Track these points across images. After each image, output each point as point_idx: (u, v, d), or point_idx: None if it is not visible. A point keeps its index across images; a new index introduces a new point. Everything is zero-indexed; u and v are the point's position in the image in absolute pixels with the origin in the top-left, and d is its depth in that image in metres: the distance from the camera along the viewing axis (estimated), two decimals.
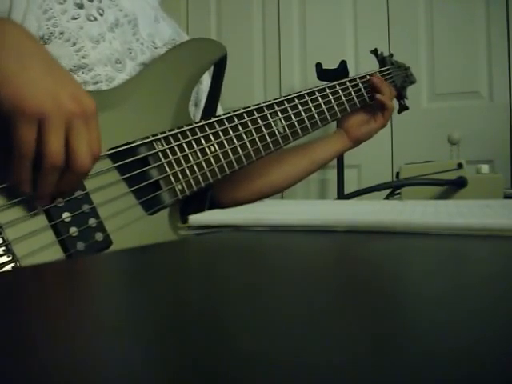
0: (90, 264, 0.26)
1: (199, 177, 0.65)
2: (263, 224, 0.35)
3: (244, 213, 0.40)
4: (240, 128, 0.69)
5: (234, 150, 0.68)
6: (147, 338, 0.12)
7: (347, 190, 1.56)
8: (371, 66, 0.94)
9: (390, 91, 0.90)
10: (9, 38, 0.49)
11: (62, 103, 0.48)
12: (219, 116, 0.69)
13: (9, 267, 0.49)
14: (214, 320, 0.14)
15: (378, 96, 0.87)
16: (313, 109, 0.79)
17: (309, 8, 1.86)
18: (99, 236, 0.55)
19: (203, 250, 0.30)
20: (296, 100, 0.77)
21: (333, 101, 0.82)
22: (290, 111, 0.76)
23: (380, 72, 0.93)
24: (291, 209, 0.48)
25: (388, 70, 0.95)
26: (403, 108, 1.01)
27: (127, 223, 0.58)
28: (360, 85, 0.87)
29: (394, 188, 0.76)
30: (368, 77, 0.89)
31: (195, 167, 0.65)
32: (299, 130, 0.77)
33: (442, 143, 1.57)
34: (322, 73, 1.60)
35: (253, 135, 0.71)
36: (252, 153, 0.70)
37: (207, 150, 0.66)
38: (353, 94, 0.85)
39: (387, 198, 0.77)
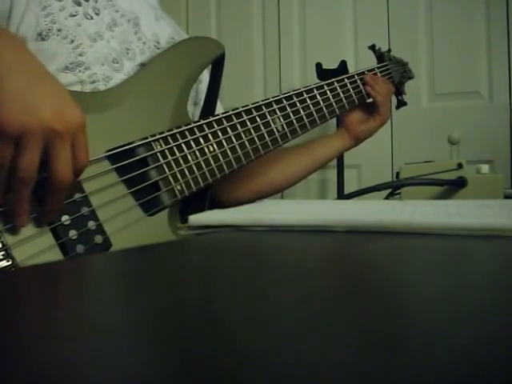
0: (89, 264, 0.26)
1: (198, 177, 0.65)
2: (263, 224, 0.35)
3: (244, 213, 0.40)
4: (238, 127, 0.69)
5: (233, 150, 0.68)
6: (147, 338, 0.12)
7: (347, 190, 1.56)
8: (372, 65, 0.94)
9: (385, 87, 0.89)
10: None
11: (43, 120, 0.47)
12: (217, 115, 0.68)
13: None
14: (213, 320, 0.14)
15: (368, 89, 0.87)
16: (311, 106, 0.79)
17: (309, 8, 1.86)
18: (99, 238, 0.55)
19: (203, 249, 0.30)
20: (294, 98, 0.77)
21: (331, 98, 0.82)
22: (288, 109, 0.76)
23: (378, 68, 0.92)
24: (291, 209, 0.48)
25: (386, 65, 0.94)
26: (401, 104, 1.01)
27: (126, 225, 0.58)
28: (358, 81, 0.87)
29: (394, 188, 0.75)
30: (366, 72, 0.89)
31: (194, 167, 0.64)
32: (298, 129, 0.77)
33: (442, 143, 1.57)
34: (322, 73, 1.60)
35: (251, 134, 0.71)
36: (251, 152, 0.70)
37: (206, 149, 0.66)
38: (351, 90, 0.85)
39: (387, 197, 0.77)
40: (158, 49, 0.74)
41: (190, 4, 1.99)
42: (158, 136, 0.62)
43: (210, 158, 0.66)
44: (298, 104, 0.77)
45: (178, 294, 0.18)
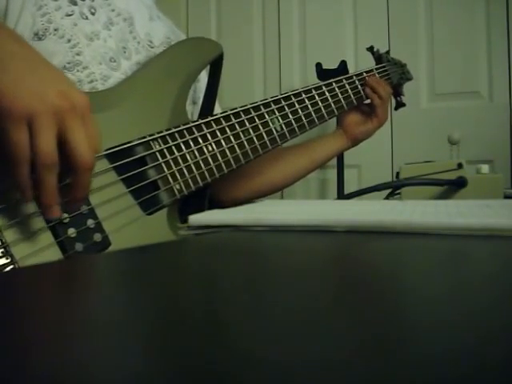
0: (88, 264, 0.26)
1: (197, 176, 0.65)
2: (263, 224, 0.35)
3: (244, 213, 0.40)
4: (237, 127, 0.69)
5: (232, 149, 0.68)
6: (146, 338, 0.12)
7: (347, 190, 1.56)
8: (371, 65, 0.94)
9: (386, 89, 0.89)
10: None
11: (50, 101, 0.46)
12: (216, 115, 0.69)
13: (8, 269, 0.49)
14: (213, 320, 0.14)
15: (367, 91, 0.87)
16: (310, 106, 0.79)
17: (309, 8, 1.86)
18: (98, 237, 0.55)
19: (203, 249, 0.30)
20: (293, 98, 0.77)
21: (329, 98, 0.82)
22: (287, 109, 0.76)
23: (376, 69, 0.93)
24: (291, 209, 0.48)
25: (384, 67, 0.95)
26: (400, 105, 1.01)
27: (125, 223, 0.58)
28: (356, 82, 0.88)
29: (394, 188, 0.75)
30: (364, 74, 0.89)
31: (193, 167, 0.64)
32: (296, 128, 0.77)
33: (442, 143, 1.57)
34: (322, 73, 1.60)
35: (250, 134, 0.71)
36: (250, 151, 0.70)
37: (205, 149, 0.66)
38: (349, 91, 0.86)
39: (387, 197, 0.77)
40: (152, 48, 0.74)
41: (190, 4, 1.99)
42: (157, 135, 0.63)
43: (209, 158, 0.66)
44: (296, 104, 0.77)
45: (178, 293, 0.17)
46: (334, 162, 1.60)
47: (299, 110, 0.77)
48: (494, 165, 1.61)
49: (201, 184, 0.65)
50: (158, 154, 0.62)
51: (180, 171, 0.63)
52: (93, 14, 0.67)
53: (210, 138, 0.67)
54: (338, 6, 1.83)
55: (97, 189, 0.56)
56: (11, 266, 0.49)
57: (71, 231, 0.53)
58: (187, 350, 0.11)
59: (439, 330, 0.12)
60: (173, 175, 0.63)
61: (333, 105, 0.82)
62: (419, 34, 1.75)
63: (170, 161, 0.63)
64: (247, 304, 0.16)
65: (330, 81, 0.84)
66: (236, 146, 0.69)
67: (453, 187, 0.68)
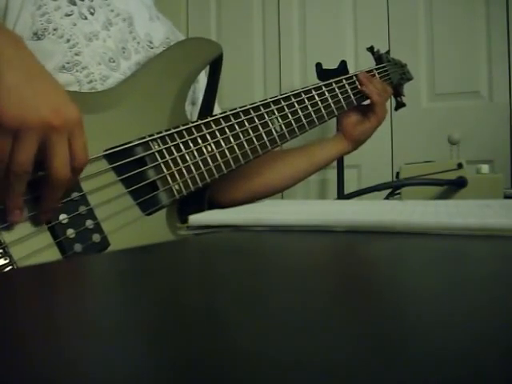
0: (88, 264, 0.26)
1: (196, 176, 0.65)
2: (263, 224, 0.35)
3: (244, 213, 0.40)
4: (237, 127, 0.69)
5: (231, 149, 0.68)
6: (146, 338, 0.12)
7: (347, 190, 1.56)
8: (371, 65, 0.94)
9: (379, 86, 0.89)
10: None
11: (40, 115, 0.47)
12: (216, 115, 0.69)
13: (6, 270, 0.49)
14: (213, 320, 0.14)
15: (363, 88, 0.86)
16: (309, 107, 0.79)
17: (309, 8, 1.86)
18: (96, 237, 0.55)
19: (203, 250, 0.30)
20: (292, 98, 0.77)
21: (329, 98, 0.82)
22: (286, 110, 0.76)
23: (376, 69, 0.93)
24: (291, 209, 0.48)
25: (384, 67, 0.95)
26: (400, 105, 1.01)
27: (124, 224, 0.58)
28: (356, 82, 0.88)
29: (394, 188, 0.75)
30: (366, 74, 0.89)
31: (192, 167, 0.64)
32: (296, 129, 0.77)
33: (442, 143, 1.57)
34: (322, 73, 1.60)
35: (249, 134, 0.71)
36: (249, 152, 0.70)
37: (204, 149, 0.66)
38: (349, 91, 0.86)
39: (387, 197, 0.77)
40: (152, 48, 0.74)
41: (190, 4, 1.99)
42: (156, 136, 0.63)
43: (208, 158, 0.66)
44: (296, 105, 0.77)
45: (178, 294, 0.17)
46: (334, 162, 1.60)
47: (299, 111, 0.77)
48: (494, 165, 1.61)
49: (200, 184, 0.65)
50: (157, 154, 0.62)
51: (179, 172, 0.63)
52: (92, 14, 0.67)
53: (209, 138, 0.67)
54: (337, 6, 1.83)
55: (96, 189, 0.56)
56: (10, 267, 0.49)
57: (70, 232, 0.53)
58: (187, 349, 0.11)
59: (439, 329, 0.12)
60: (172, 176, 0.63)
61: (332, 105, 0.82)
62: (419, 34, 1.75)
63: (170, 161, 0.63)
64: (247, 304, 0.16)
65: (330, 81, 0.84)
66: (235, 146, 0.69)
67: (453, 187, 0.68)
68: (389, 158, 1.76)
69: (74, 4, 0.65)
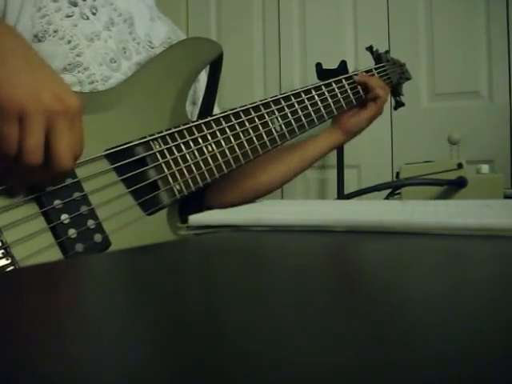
0: (88, 264, 0.26)
1: (197, 176, 0.65)
2: (263, 224, 0.35)
3: (244, 213, 0.40)
4: (237, 127, 0.70)
5: (232, 149, 0.68)
6: (146, 338, 0.12)
7: (347, 190, 1.56)
8: (371, 65, 0.94)
9: (382, 82, 0.89)
10: None
11: (43, 101, 0.47)
12: (216, 115, 0.69)
13: (8, 270, 0.49)
14: (213, 320, 0.14)
15: (367, 84, 0.86)
16: (309, 106, 0.79)
17: (309, 8, 1.86)
18: (98, 237, 0.55)
19: (203, 250, 0.30)
20: (292, 98, 0.77)
21: (329, 98, 0.82)
22: (286, 110, 0.76)
23: (375, 69, 0.93)
24: (291, 209, 0.48)
25: (383, 66, 0.95)
26: (399, 104, 1.01)
27: (126, 224, 0.58)
28: (355, 83, 0.88)
29: (394, 188, 0.75)
30: (364, 73, 0.90)
31: (193, 167, 0.64)
32: (296, 129, 0.77)
33: (442, 143, 1.57)
34: (322, 73, 1.60)
35: (250, 134, 0.71)
36: (249, 152, 0.70)
37: (205, 149, 0.66)
38: (349, 91, 0.86)
39: (387, 197, 0.77)
40: (152, 48, 0.74)
41: (190, 4, 1.99)
42: (157, 135, 0.63)
43: (209, 158, 0.66)
44: (296, 105, 0.77)
45: (178, 293, 0.18)
46: (334, 161, 1.60)
47: (299, 110, 0.77)
48: (494, 165, 1.61)
49: (201, 184, 0.65)
50: (158, 154, 0.62)
51: (180, 171, 0.63)
52: (94, 13, 0.67)
53: (209, 138, 0.67)
54: (337, 5, 1.83)
55: (97, 189, 0.56)
56: (12, 267, 0.49)
57: (71, 232, 0.53)
58: (187, 349, 0.11)
59: (439, 329, 0.12)
60: (173, 175, 0.63)
61: (332, 105, 0.82)
62: (419, 34, 1.75)
63: (170, 161, 0.63)
64: (247, 304, 0.16)
65: (330, 81, 0.84)
66: (236, 146, 0.69)
67: (453, 187, 0.68)
68: (389, 158, 1.76)
69: (75, 5, 0.65)
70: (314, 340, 0.12)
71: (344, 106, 0.84)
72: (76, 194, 0.54)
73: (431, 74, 1.74)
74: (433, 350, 0.11)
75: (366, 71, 0.91)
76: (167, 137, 0.63)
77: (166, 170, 0.62)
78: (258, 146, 0.71)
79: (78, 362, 0.11)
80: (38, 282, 0.21)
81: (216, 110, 0.82)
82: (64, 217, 0.53)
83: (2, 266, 0.49)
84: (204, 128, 0.67)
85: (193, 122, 0.67)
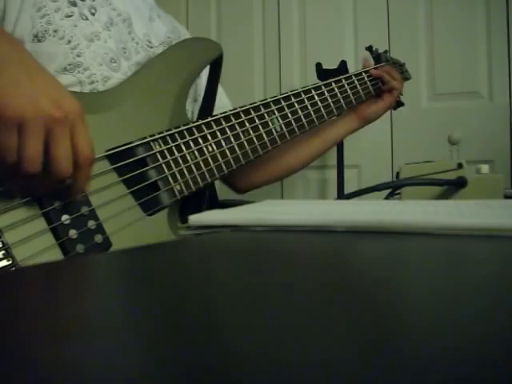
0: (88, 264, 0.26)
1: (197, 177, 0.65)
2: (263, 224, 0.35)
3: (244, 213, 0.40)
4: (237, 127, 0.70)
5: (232, 149, 0.69)
6: (146, 338, 0.12)
7: (347, 190, 1.56)
8: (369, 66, 0.95)
9: (395, 74, 0.95)
10: None
11: (42, 108, 0.47)
12: (216, 115, 0.69)
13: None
14: (213, 320, 0.14)
15: (383, 79, 0.92)
16: (309, 106, 0.79)
17: (309, 8, 1.86)
18: (99, 238, 0.55)
19: (203, 250, 0.30)
20: (292, 98, 0.78)
21: (329, 98, 0.83)
22: (286, 110, 0.76)
23: (375, 69, 0.94)
24: (291, 209, 0.48)
25: (383, 66, 0.95)
26: (399, 104, 1.02)
27: (126, 224, 0.58)
28: (355, 82, 0.89)
29: (393, 188, 0.75)
30: (363, 74, 0.91)
31: (193, 167, 0.65)
32: (296, 128, 0.77)
33: (442, 143, 1.57)
34: (322, 73, 1.60)
35: (250, 134, 0.71)
36: (250, 152, 0.70)
37: (205, 150, 0.66)
38: (348, 91, 0.87)
39: (387, 198, 0.77)
40: (151, 48, 0.74)
41: (190, 3, 1.99)
42: (157, 136, 0.63)
43: (209, 158, 0.66)
44: (296, 104, 0.78)
45: (178, 294, 0.18)
46: (334, 161, 1.60)
47: (299, 110, 0.78)
48: (494, 165, 1.61)
49: (201, 184, 0.65)
50: (158, 154, 0.62)
51: (180, 172, 0.64)
52: (93, 14, 0.67)
53: (210, 138, 0.67)
54: (337, 6, 1.83)
55: (97, 190, 0.56)
56: (12, 269, 0.49)
57: (72, 232, 0.53)
58: (187, 350, 0.11)
59: (439, 330, 0.12)
60: (173, 176, 0.63)
61: (332, 105, 0.83)
62: (419, 34, 1.75)
63: (171, 161, 0.63)
64: (247, 304, 0.16)
65: (330, 81, 0.84)
66: (236, 146, 0.69)
67: (453, 187, 0.68)
68: (389, 158, 1.76)
69: (75, 5, 0.65)
70: (313, 340, 0.12)
71: (344, 106, 0.86)
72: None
73: (431, 74, 1.74)
74: (433, 349, 0.11)
75: (366, 71, 0.93)
76: (167, 137, 0.63)
77: (166, 170, 0.62)
78: (258, 146, 0.72)
79: (76, 362, 0.11)
80: (36, 282, 0.21)
81: (227, 105, 0.84)
82: (64, 217, 0.53)
83: (3, 267, 0.49)
84: (204, 128, 0.67)
85: (193, 122, 0.67)
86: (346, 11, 1.83)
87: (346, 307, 0.15)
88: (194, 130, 0.66)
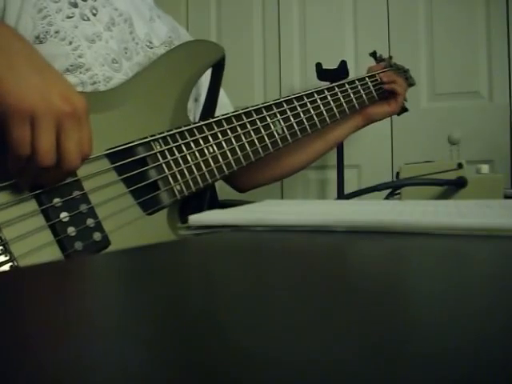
0: (88, 264, 0.26)
1: (197, 177, 0.65)
2: (263, 224, 0.35)
3: (244, 213, 0.40)
4: (238, 129, 0.70)
5: (233, 151, 0.69)
6: (146, 338, 0.12)
7: (347, 190, 1.56)
8: (373, 71, 0.95)
9: (400, 80, 0.96)
10: None
11: (53, 102, 0.48)
12: (217, 117, 0.69)
13: (6, 267, 0.49)
14: (213, 320, 0.14)
15: (392, 86, 0.93)
16: (311, 110, 0.79)
17: (309, 8, 1.86)
18: (97, 236, 0.55)
19: (203, 249, 0.30)
20: (295, 101, 0.78)
21: (331, 102, 0.83)
22: (288, 113, 0.76)
23: (379, 74, 0.94)
24: (291, 209, 0.48)
25: (387, 72, 0.95)
26: (403, 110, 1.02)
27: (125, 223, 0.58)
28: (359, 87, 0.89)
29: (393, 188, 0.75)
30: (367, 79, 0.91)
31: (193, 168, 0.65)
32: (298, 131, 0.77)
33: (442, 143, 1.57)
34: (322, 73, 1.60)
35: (251, 136, 0.71)
36: (251, 153, 0.70)
37: (205, 150, 0.66)
38: (351, 95, 0.87)
39: (387, 198, 0.77)
40: (152, 48, 0.74)
41: (190, 4, 1.99)
42: (158, 136, 0.63)
43: (210, 159, 0.66)
44: (298, 108, 0.78)
45: (178, 294, 0.18)
46: (334, 161, 1.60)
47: (301, 114, 0.78)
48: (494, 165, 1.61)
49: (201, 185, 0.65)
50: (158, 154, 0.62)
51: (181, 172, 0.64)
52: (94, 14, 0.67)
53: (210, 139, 0.67)
54: (338, 6, 1.83)
55: (97, 188, 0.56)
56: (10, 264, 0.49)
57: (71, 230, 0.53)
58: (187, 349, 0.11)
59: (439, 330, 0.12)
60: (173, 176, 0.63)
61: (335, 109, 0.83)
62: (419, 34, 1.75)
63: (171, 161, 0.63)
64: (247, 304, 0.16)
65: (332, 85, 0.84)
66: (237, 147, 0.69)
67: (453, 187, 0.68)
68: (389, 158, 1.76)
69: (76, 6, 0.65)
70: (313, 340, 0.12)
71: (347, 110, 0.87)
72: (76, 193, 0.55)
73: (431, 74, 1.74)
74: (433, 349, 0.11)
75: (369, 76, 0.93)
76: (168, 137, 0.64)
77: (166, 170, 0.63)
78: (260, 149, 0.72)
79: (75, 362, 0.11)
80: (36, 282, 0.21)
81: (229, 107, 0.85)
82: (63, 215, 0.53)
83: (0, 263, 0.49)
84: (205, 129, 0.67)
85: (194, 123, 0.67)
86: (346, 11, 1.83)
87: (346, 307, 0.15)
88: (195, 130, 0.66)
